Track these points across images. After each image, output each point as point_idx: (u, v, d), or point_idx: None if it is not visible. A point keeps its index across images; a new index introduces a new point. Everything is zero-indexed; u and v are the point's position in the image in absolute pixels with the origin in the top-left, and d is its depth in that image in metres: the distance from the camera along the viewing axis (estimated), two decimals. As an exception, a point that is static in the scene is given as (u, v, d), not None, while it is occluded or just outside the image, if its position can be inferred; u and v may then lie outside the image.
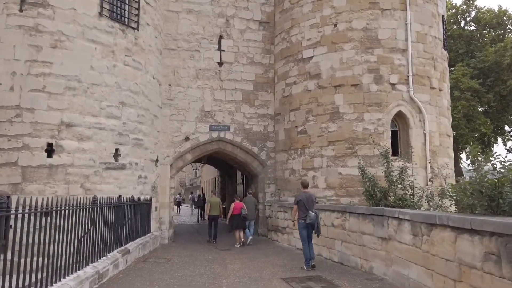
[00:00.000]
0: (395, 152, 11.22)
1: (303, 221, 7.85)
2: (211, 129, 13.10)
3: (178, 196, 38.59)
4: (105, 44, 9.68)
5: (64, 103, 8.81)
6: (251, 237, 12.06)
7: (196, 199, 26.52)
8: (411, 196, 7.57)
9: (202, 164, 39.65)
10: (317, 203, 8.23)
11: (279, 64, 13.49)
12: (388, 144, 10.94)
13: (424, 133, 11.38)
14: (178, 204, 33.60)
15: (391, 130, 11.30)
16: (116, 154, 9.82)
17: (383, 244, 6.07)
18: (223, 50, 13.49)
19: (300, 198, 8.06)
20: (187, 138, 12.86)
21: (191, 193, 40.24)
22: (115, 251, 7.29)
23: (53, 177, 8.49)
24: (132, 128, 10.36)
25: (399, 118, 11.50)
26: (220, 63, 13.44)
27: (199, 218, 22.35)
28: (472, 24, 25.02)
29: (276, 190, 13.32)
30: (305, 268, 7.69)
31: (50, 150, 8.56)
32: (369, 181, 7.44)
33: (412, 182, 8.03)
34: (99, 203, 7.26)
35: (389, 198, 7.42)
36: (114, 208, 8.25)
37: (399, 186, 7.65)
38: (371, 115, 11.15)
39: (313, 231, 7.81)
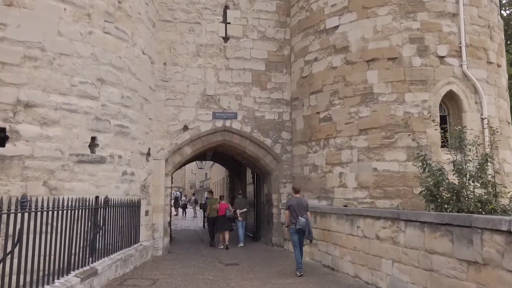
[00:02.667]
0: (442, 142, 9.15)
1: (293, 226, 8.01)
2: (214, 116, 11.24)
3: (184, 198, 36.94)
4: (78, 4, 7.93)
5: (22, 77, 7.07)
6: (242, 241, 12.16)
7: (204, 201, 24.86)
8: (494, 197, 5.54)
9: (211, 164, 38.29)
10: (307, 210, 8.21)
11: (297, 38, 11.55)
12: (436, 132, 8.90)
13: (482, 119, 9.32)
14: (184, 207, 31.92)
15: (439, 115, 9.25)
16: (93, 144, 8.05)
17: (471, 272, 4.08)
18: (229, 23, 11.64)
19: (291, 203, 8.19)
20: (185, 128, 11.02)
21: (193, 194, 38.55)
22: (72, 274, 5.43)
23: (6, 172, 6.75)
24: (114, 112, 8.57)
25: (449, 99, 9.48)
26: (226, 38, 11.58)
27: (205, 223, 20.48)
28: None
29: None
30: (297, 273, 7.80)
31: (2, 137, 6.84)
32: (434, 175, 5.47)
33: (494, 177, 5.97)
34: (61, 205, 5.51)
35: (464, 199, 5.40)
36: (86, 212, 6.46)
37: (477, 183, 5.60)
38: (414, 95, 9.15)
39: (304, 237, 7.98)
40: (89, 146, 7.93)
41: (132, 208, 8.90)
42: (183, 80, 11.15)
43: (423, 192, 5.63)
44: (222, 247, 11.70)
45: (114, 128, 8.55)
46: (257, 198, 13.50)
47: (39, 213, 5.28)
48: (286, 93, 11.88)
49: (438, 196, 5.46)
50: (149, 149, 10.26)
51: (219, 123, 11.30)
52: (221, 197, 14.51)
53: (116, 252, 7.78)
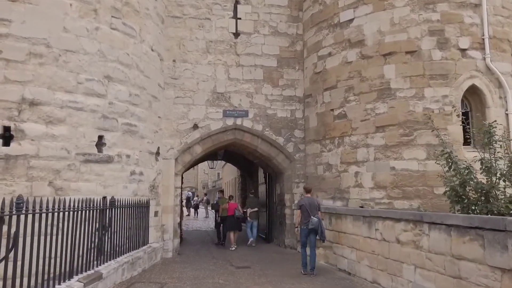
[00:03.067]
0: (465, 140, 8.71)
1: (305, 226, 8.04)
2: (225, 114, 10.98)
3: (196, 198, 36.85)
4: (84, 0, 7.73)
5: (27, 74, 6.93)
6: (252, 239, 12.24)
7: (215, 201, 24.62)
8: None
9: (223, 164, 38.13)
10: (319, 210, 8.29)
11: (310, 33, 11.22)
12: (458, 129, 8.49)
13: (507, 114, 8.86)
14: (196, 207, 31.80)
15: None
16: (100, 143, 7.88)
17: (505, 280, 3.71)
18: (240, 18, 11.37)
19: (303, 203, 8.24)
20: (195, 126, 10.79)
21: (205, 194, 38.46)
22: (75, 278, 5.22)
23: (11, 172, 6.62)
24: (122, 111, 8.38)
25: (471, 94, 9.02)
26: (236, 34, 11.31)
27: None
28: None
29: (306, 190, 11.03)
30: (302, 272, 7.94)
31: (7, 136, 6.72)
32: (460, 174, 5.06)
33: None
34: (63, 206, 5.32)
35: (494, 200, 4.98)
36: (91, 213, 6.28)
37: (509, 182, 5.17)
38: (434, 90, 8.73)
39: (317, 237, 7.99)
40: (96, 145, 7.77)
41: (141, 209, 8.71)
42: (192, 78, 10.92)
43: (448, 192, 5.24)
44: (233, 248, 11.63)
45: (121, 127, 8.36)
46: (269, 199, 13.20)
47: (37, 215, 5.10)
48: (299, 90, 11.56)
49: (464, 197, 5.08)
50: (158, 148, 10.06)
51: (229, 122, 11.04)
52: (230, 197, 14.19)
53: (124, 254, 7.58)
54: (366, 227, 6.95)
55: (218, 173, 50.54)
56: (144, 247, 8.56)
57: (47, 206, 5.36)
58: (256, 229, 12.69)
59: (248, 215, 12.47)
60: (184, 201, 33.02)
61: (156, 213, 9.76)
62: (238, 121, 11.08)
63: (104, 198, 7.67)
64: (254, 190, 15.70)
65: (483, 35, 8.91)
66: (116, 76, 8.30)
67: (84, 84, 7.61)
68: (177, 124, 10.70)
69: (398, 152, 8.77)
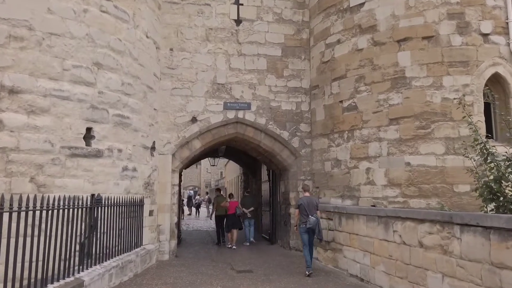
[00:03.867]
0: (488, 133, 8.06)
1: (304, 225, 8.12)
2: (226, 107, 10.38)
3: (197, 197, 36.33)
4: (71, -22, 7.14)
5: (6, 59, 6.36)
6: (252, 239, 12.34)
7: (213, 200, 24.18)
8: None
9: (225, 162, 37.55)
10: (317, 209, 8.35)
11: (317, 20, 10.58)
12: (481, 119, 7.84)
13: (533, 105, 8.18)
14: (198, 206, 31.27)
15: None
16: (88, 135, 7.30)
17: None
18: (242, 4, 10.77)
19: (301, 202, 8.30)
20: (194, 119, 10.19)
21: (207, 193, 37.97)
22: (49, 287, 4.62)
23: (-13, 166, 6.01)
24: (113, 101, 7.80)
25: (493, 84, 8.37)
26: (238, 21, 10.70)
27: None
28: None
29: (313, 188, 10.43)
30: (306, 272, 7.80)
31: (-17, 127, 6.11)
32: (498, 167, 4.44)
33: None
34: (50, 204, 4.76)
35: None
36: (74, 212, 5.72)
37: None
38: (453, 79, 8.09)
39: (315, 236, 8.12)
40: (83, 138, 7.18)
41: (134, 208, 8.13)
42: (191, 67, 10.32)
43: (480, 189, 4.62)
44: (230, 246, 11.78)
45: (113, 118, 7.78)
46: (273, 197, 12.60)
47: (15, 214, 4.54)
48: (305, 81, 10.93)
49: (499, 194, 4.46)
50: (154, 142, 9.48)
51: (230, 115, 10.43)
52: (230, 195, 14.02)
53: (114, 257, 7.00)
54: (382, 229, 6.32)
55: (221, 172, 50.38)
56: (137, 250, 7.98)
57: (27, 204, 4.83)
58: (253, 227, 12.77)
59: (247, 213, 12.59)
60: (185, 200, 32.64)
61: (151, 213, 9.18)
62: (240, 114, 10.47)
63: (93, 196, 7.14)
64: (257, 188, 15.13)
65: (507, 19, 8.26)
66: (107, 63, 7.71)
67: (70, 71, 7.02)
68: (175, 117, 10.11)
69: (413, 146, 8.14)
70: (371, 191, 8.50)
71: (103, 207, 6.93)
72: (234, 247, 11.70)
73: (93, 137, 7.35)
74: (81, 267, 5.82)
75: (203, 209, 31.81)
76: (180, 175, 12.49)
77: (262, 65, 10.71)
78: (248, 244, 12.30)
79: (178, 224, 12.11)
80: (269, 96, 10.67)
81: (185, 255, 10.18)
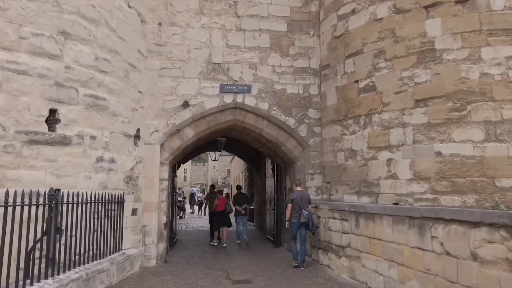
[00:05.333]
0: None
1: (296, 220, 8.34)
2: (222, 90, 9.23)
3: (200, 195, 35.31)
4: None
5: None
6: (245, 237, 11.84)
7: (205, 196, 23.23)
8: None
9: (231, 158, 36.45)
10: (309, 204, 8.53)
11: (327, -12, 9.34)
12: (529, 100, 6.59)
13: None
14: (200, 204, 30.20)
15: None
16: (52, 118, 6.24)
17: None
18: (241, -28, 9.55)
19: (294, 197, 8.50)
20: (186, 104, 9.06)
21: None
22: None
23: None
24: (84, 78, 6.71)
25: (542, 57, 7.06)
26: (237, -9, 9.51)
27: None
28: None
29: (323, 183, 9.27)
30: (293, 264, 8.27)
31: None
32: None
33: None
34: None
35: None
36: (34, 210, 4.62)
37: None
38: (494, 51, 6.84)
39: (307, 230, 8.35)
40: (46, 121, 6.11)
41: (111, 206, 7.03)
42: (182, 44, 9.18)
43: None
44: (215, 243, 11.72)
45: (84, 99, 6.68)
46: (278, 194, 11.45)
47: None
48: (314, 60, 9.72)
49: None
50: (138, 130, 8.37)
51: (228, 99, 9.27)
52: (220, 192, 13.78)
53: (81, 266, 5.90)
54: (415, 234, 5.10)
55: (228, 169, 49.87)
56: (113, 255, 6.87)
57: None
58: (246, 226, 12.42)
59: (235, 213, 12.48)
60: (187, 198, 31.58)
61: (134, 211, 8.08)
62: (239, 98, 9.31)
63: (58, 191, 6.04)
64: (261, 185, 14.06)
65: (560, -22, 6.96)
66: (76, 33, 6.60)
67: (29, 39, 5.93)
68: (163, 101, 8.98)
69: (445, 132, 6.90)
70: (393, 187, 7.29)
71: (68, 205, 5.84)
72: (224, 245, 11.53)
73: (58, 120, 6.26)
74: (28, 280, 4.72)
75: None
76: (174, 169, 11.40)
77: (264, 42, 9.53)
78: (239, 242, 12.01)
79: (171, 225, 11.05)
80: (272, 78, 9.49)
81: (175, 260, 9.08)
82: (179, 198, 23.63)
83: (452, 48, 7.04)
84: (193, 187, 42.46)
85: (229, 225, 12.24)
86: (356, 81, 8.30)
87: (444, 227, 4.47)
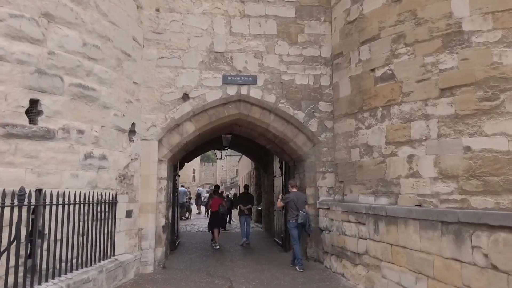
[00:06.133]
0: None
1: (294, 221, 8.36)
2: (225, 81, 8.61)
3: (207, 195, 34.76)
4: None
5: None
6: (244, 238, 11.94)
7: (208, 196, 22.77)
8: None
9: (239, 158, 35.89)
10: (306, 204, 8.60)
11: (340, -30, 8.66)
12: None
13: None
14: (207, 205, 29.64)
15: None
16: (33, 110, 5.68)
17: None
18: (245, -47, 8.91)
19: (291, 198, 8.51)
20: (185, 97, 8.46)
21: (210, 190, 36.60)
22: None
23: None
24: (70, 66, 6.13)
25: None
26: (241, -26, 8.87)
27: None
28: None
29: (336, 183, 8.60)
30: (297, 269, 8.05)
31: None
32: None
33: None
34: None
35: None
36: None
37: None
38: (531, 32, 6.07)
39: (304, 230, 8.39)
40: (26, 113, 5.54)
41: (101, 207, 6.44)
42: (182, 32, 8.57)
43: None
44: (217, 247, 11.40)
45: (70, 89, 6.10)
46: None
47: None
48: (325, 48, 9.04)
49: None
50: (134, 124, 7.78)
51: (231, 91, 8.64)
52: (215, 192, 13.73)
53: (66, 274, 5.32)
54: (451, 242, 4.39)
55: (237, 170, 49.64)
56: (102, 262, 6.28)
57: None
58: (249, 226, 12.37)
59: (238, 212, 12.73)
60: (191, 199, 31.02)
61: (129, 213, 7.49)
62: (243, 90, 8.68)
63: (40, 191, 5.50)
64: (269, 184, 13.46)
65: None
66: (61, 16, 6.02)
67: (6, 21, 5.36)
68: (161, 94, 8.38)
69: (475, 124, 6.18)
70: (415, 186, 6.59)
71: (52, 207, 5.28)
72: (216, 246, 11.40)
73: (40, 112, 5.69)
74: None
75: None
76: (175, 168, 10.81)
77: (271, 29, 8.87)
78: (247, 243, 11.94)
79: (172, 227, 10.49)
80: (279, 68, 8.83)
81: (175, 266, 8.47)
82: (185, 198, 23.10)
83: (482, 29, 6.30)
84: (199, 187, 41.95)
85: (223, 226, 12.50)
86: (373, 70, 7.60)
87: (489, 235, 3.77)
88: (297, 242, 8.34)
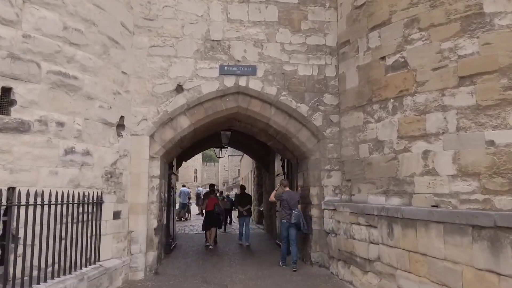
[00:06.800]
0: None
1: (286, 220, 8.48)
2: (223, 71, 8.05)
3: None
4: None
5: None
6: (244, 239, 12.07)
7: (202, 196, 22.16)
8: None
9: (241, 157, 35.37)
10: (299, 203, 8.62)
11: (346, -49, 8.08)
12: None
13: None
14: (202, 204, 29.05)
15: None
16: (5, 99, 5.17)
17: None
18: None
19: (284, 197, 8.58)
20: (179, 88, 7.91)
21: (217, 190, 36.08)
22: None
23: None
24: (49, 51, 5.60)
25: None
26: (239, -43, 8.31)
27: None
28: None
29: (343, 181, 8.03)
30: (280, 264, 8.56)
31: None
32: None
33: None
34: None
35: None
36: None
37: None
38: (562, 12, 5.49)
39: (299, 230, 8.42)
40: (-4, 102, 4.99)
41: (84, 208, 5.90)
42: (175, 19, 8.02)
43: None
44: (211, 247, 11.56)
45: (48, 77, 5.56)
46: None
47: None
48: (331, 36, 8.47)
49: None
50: (122, 118, 7.24)
51: (229, 82, 8.08)
52: (211, 192, 13.70)
53: (41, 283, 4.78)
54: (485, 250, 3.83)
55: (238, 170, 49.43)
56: (84, 269, 5.72)
57: None
58: (248, 228, 12.37)
59: (238, 214, 12.88)
60: (189, 200, 30.50)
61: (117, 214, 6.94)
62: (242, 82, 8.12)
63: (13, 189, 5.00)
64: (270, 184, 12.95)
65: None
66: (38, -5, 5.48)
67: (-27, 0, 4.82)
68: (153, 85, 7.83)
69: (499, 116, 5.60)
70: (432, 185, 6.01)
71: (28, 207, 4.76)
72: (211, 246, 11.54)
73: (13, 102, 5.15)
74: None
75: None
76: (170, 166, 10.26)
77: (272, 16, 8.31)
78: (240, 243, 12.10)
79: (167, 229, 9.97)
80: (281, 57, 8.27)
81: (168, 272, 7.93)
82: (186, 199, 22.54)
83: (506, 11, 5.72)
84: (199, 187, 41.42)
85: (219, 226, 12.56)
86: (383, 58, 7.03)
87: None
88: (285, 241, 8.54)
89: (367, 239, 6.24)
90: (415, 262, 5.01)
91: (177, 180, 15.86)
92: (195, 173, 65.09)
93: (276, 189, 9.57)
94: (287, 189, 8.81)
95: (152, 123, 7.75)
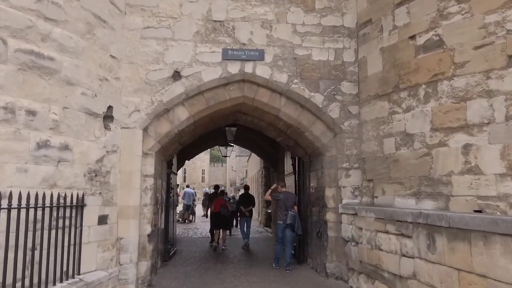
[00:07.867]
0: None
1: (282, 222, 8.57)
2: (226, 56, 7.20)
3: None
4: None
5: None
6: (246, 240, 11.99)
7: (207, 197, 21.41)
8: None
9: (248, 157, 34.59)
10: (296, 205, 8.75)
11: None
12: None
13: None
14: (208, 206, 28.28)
15: None
16: (-40, 81, 4.28)
17: None
18: None
19: (280, 198, 8.71)
20: (177, 75, 7.07)
21: (222, 191, 35.38)
22: None
23: None
24: (17, 26, 4.80)
25: None
26: None
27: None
28: None
29: (363, 181, 7.12)
30: (274, 266, 8.60)
31: None
32: None
33: None
34: None
35: None
36: None
37: None
38: None
39: (293, 231, 8.48)
40: (-50, 85, 4.20)
41: (61, 212, 5.08)
42: (173, -4, 7.18)
43: None
44: (220, 248, 11.66)
45: (17, 56, 4.75)
46: (300, 196, 9.37)
47: None
48: (349, 16, 7.58)
49: None
50: (111, 108, 6.42)
51: (233, 68, 7.23)
52: (216, 193, 13.83)
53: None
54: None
55: (246, 170, 48.93)
56: (60, 285, 4.85)
57: None
58: (249, 229, 12.43)
59: (239, 214, 12.94)
60: (196, 199, 29.75)
61: (103, 219, 6.12)
62: (248, 68, 7.26)
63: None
64: (276, 184, 12.04)
65: None
66: (4, -41, 4.67)
67: None
68: (147, 71, 7.01)
69: (560, 102, 4.68)
70: (475, 186, 5.09)
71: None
72: (223, 247, 11.69)
73: (-31, 85, 4.35)
74: None
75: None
76: (169, 164, 9.44)
77: (281, -7, 7.45)
78: (246, 246, 11.89)
79: (166, 234, 9.18)
80: (292, 40, 7.40)
81: (164, 284, 7.11)
82: (191, 200, 21.80)
83: None
84: (206, 187, 40.67)
85: (225, 227, 12.46)
86: (412, 37, 6.12)
87: None
88: (280, 243, 8.63)
89: (398, 251, 5.31)
90: (468, 285, 4.06)
91: (184, 181, 15.35)
92: (202, 174, 65.10)
93: (272, 187, 9.67)
94: (284, 189, 8.98)
95: (145, 115, 6.92)
